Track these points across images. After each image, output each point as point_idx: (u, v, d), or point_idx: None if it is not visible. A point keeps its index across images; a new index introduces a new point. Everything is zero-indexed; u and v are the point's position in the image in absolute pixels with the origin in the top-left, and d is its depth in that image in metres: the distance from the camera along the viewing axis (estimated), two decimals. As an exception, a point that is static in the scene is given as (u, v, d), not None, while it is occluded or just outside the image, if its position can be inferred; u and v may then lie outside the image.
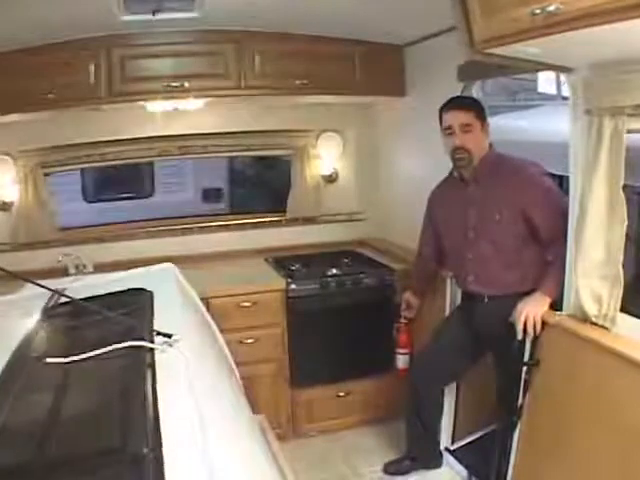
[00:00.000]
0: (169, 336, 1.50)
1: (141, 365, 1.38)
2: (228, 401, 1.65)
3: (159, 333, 1.52)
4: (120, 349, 1.43)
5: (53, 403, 1.27)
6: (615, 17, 1.45)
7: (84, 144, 3.83)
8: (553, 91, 6.57)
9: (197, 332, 1.91)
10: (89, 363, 1.41)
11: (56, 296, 1.86)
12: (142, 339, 1.47)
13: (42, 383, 1.38)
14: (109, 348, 1.43)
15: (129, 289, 1.98)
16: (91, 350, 1.42)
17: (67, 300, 1.79)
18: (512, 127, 5.03)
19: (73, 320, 1.78)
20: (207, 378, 1.53)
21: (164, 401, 1.20)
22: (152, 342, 1.48)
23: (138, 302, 1.86)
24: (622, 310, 2.18)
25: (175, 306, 1.90)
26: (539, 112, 5.85)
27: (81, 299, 1.80)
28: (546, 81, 6.79)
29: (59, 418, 1.22)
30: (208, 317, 2.30)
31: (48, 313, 1.82)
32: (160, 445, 1.04)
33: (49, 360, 1.42)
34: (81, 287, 2.06)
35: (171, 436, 1.07)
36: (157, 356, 1.43)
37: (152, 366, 1.37)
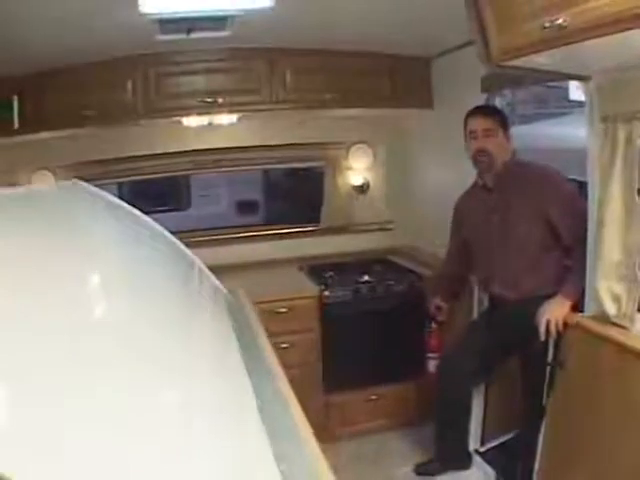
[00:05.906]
0: None
1: None
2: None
3: None
4: None
5: None
6: (618, 27, 1.53)
7: (121, 158, 3.96)
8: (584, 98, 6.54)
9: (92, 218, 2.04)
10: None
11: None
12: None
13: None
14: None
15: None
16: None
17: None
18: (542, 134, 5.07)
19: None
20: None
21: None
22: None
23: None
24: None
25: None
26: (569, 119, 5.87)
27: None
28: (577, 88, 6.74)
29: None
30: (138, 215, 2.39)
31: None
32: None
33: None
34: None
35: None
36: None
37: None
